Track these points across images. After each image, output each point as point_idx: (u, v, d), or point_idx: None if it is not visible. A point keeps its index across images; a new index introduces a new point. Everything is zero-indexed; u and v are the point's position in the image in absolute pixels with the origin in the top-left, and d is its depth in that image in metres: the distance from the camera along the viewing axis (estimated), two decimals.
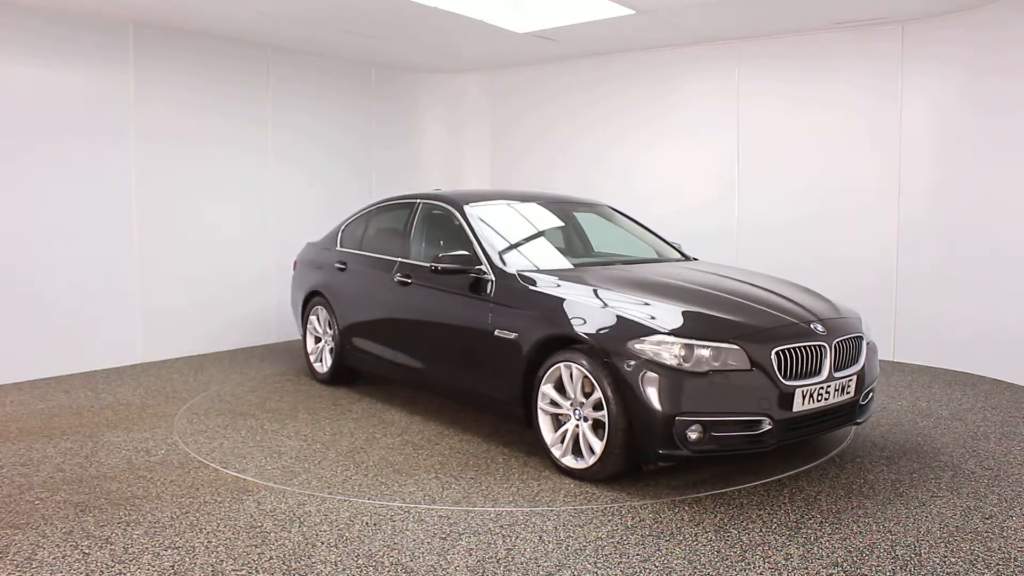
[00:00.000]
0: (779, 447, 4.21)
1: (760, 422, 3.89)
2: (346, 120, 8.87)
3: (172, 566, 3.22)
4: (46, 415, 5.51)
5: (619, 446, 3.98)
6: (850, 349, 4.29)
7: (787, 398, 3.92)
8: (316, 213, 8.54)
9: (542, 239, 5.48)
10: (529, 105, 9.27)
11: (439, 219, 5.57)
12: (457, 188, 9.33)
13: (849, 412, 4.30)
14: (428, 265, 5.19)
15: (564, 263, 5.08)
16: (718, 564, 3.22)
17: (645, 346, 3.92)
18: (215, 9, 6.56)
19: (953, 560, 3.24)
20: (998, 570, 3.16)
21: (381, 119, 9.24)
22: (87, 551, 3.36)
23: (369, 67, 9.05)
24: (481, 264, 4.87)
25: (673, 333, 3.93)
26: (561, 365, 4.22)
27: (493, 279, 4.77)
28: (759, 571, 3.16)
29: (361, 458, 4.63)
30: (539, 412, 4.37)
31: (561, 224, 5.78)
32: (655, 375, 3.85)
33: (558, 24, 7.06)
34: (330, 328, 6.32)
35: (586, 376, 4.10)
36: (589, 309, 4.24)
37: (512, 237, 5.22)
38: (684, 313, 4.14)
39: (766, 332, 4.05)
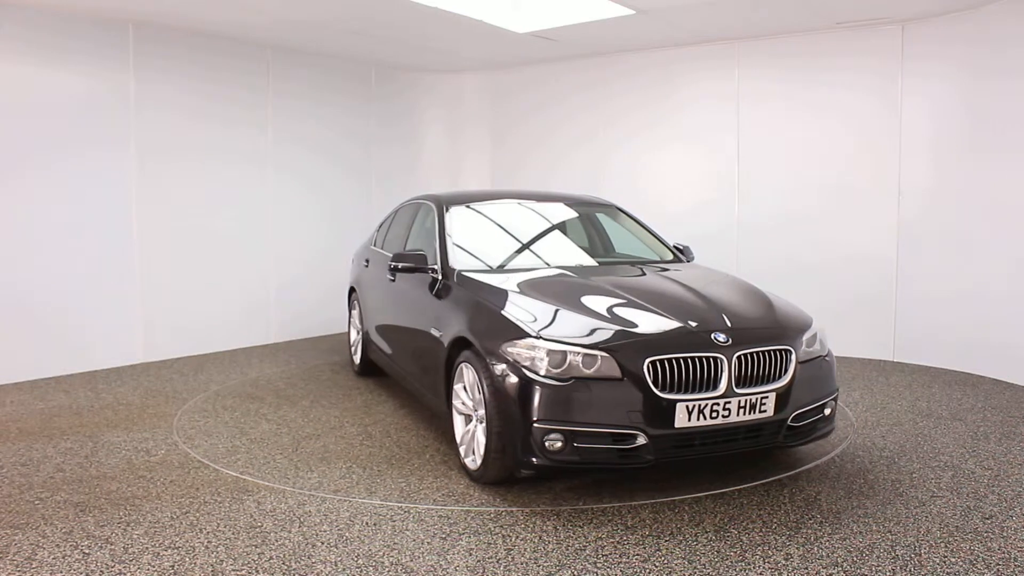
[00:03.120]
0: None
1: (633, 436, 3.65)
2: (346, 119, 8.86)
3: (172, 566, 3.22)
4: (46, 415, 5.51)
5: (496, 450, 3.86)
6: (765, 363, 3.86)
7: (665, 412, 3.65)
8: (315, 211, 8.57)
9: (518, 241, 5.36)
10: (529, 105, 9.26)
11: (432, 219, 5.63)
12: (461, 189, 9.34)
13: (772, 433, 3.90)
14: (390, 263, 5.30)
15: (525, 264, 5.01)
16: (718, 564, 3.22)
17: (515, 349, 3.81)
18: (215, 9, 6.56)
19: (953, 560, 3.24)
20: (998, 570, 3.16)
21: (381, 119, 9.24)
22: (87, 551, 3.36)
23: (369, 67, 9.05)
24: (436, 263, 4.97)
25: (542, 337, 3.79)
26: (463, 365, 4.21)
27: (439, 278, 4.86)
28: (759, 571, 3.15)
29: (307, 444, 4.86)
30: (454, 411, 4.37)
31: (553, 225, 5.68)
32: (517, 379, 3.73)
33: (558, 24, 7.05)
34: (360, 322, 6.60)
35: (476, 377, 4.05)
36: (484, 310, 4.23)
37: (484, 238, 5.25)
38: (570, 318, 3.98)
39: (645, 340, 3.78)
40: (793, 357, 3.95)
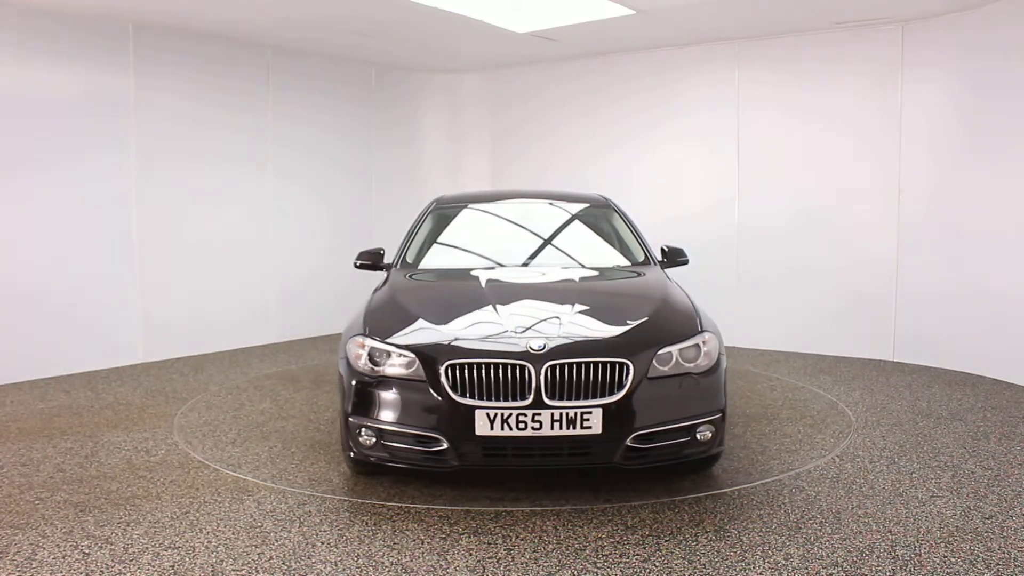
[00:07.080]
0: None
1: (437, 439, 3.64)
2: (345, 119, 8.87)
3: (172, 566, 3.22)
4: (46, 415, 5.51)
5: (341, 441, 4.07)
6: (590, 376, 3.61)
7: (464, 418, 3.57)
8: (314, 211, 8.59)
9: (495, 240, 5.28)
10: (530, 106, 9.26)
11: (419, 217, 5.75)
12: (461, 189, 9.34)
13: (605, 452, 3.65)
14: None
15: (469, 264, 5.00)
16: (718, 564, 3.22)
17: (350, 345, 4.00)
18: (215, 9, 6.56)
19: (953, 560, 3.24)
20: (998, 570, 3.16)
21: (380, 119, 9.24)
22: (87, 551, 3.36)
23: (369, 67, 9.05)
24: (390, 261, 5.14)
25: (369, 335, 3.93)
26: None
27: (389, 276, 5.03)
28: (759, 571, 3.15)
29: (270, 425, 5.22)
30: None
31: (545, 225, 5.48)
32: (343, 374, 3.95)
33: (558, 24, 7.06)
34: None
35: None
36: (366, 308, 4.33)
37: (458, 238, 5.31)
38: (405, 318, 4.06)
39: (449, 344, 3.74)
40: (630, 372, 3.64)
